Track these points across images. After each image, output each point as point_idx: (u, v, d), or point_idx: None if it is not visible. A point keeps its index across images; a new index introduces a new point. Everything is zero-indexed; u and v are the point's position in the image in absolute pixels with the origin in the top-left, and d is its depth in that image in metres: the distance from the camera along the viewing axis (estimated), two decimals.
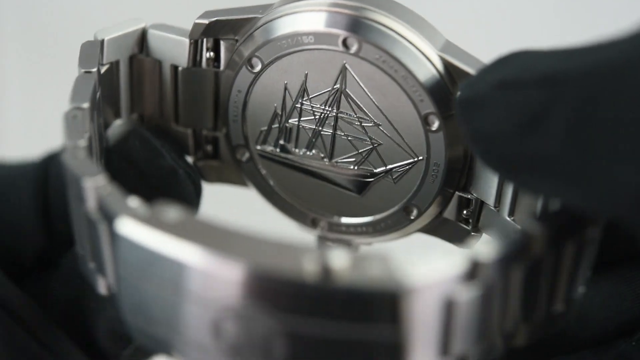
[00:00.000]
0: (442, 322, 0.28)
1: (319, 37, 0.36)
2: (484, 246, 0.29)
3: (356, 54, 0.36)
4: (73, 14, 0.83)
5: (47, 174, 0.39)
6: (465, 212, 0.39)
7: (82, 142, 0.32)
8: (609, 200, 0.27)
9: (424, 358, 0.28)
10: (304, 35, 0.36)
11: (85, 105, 0.33)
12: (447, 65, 0.36)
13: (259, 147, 0.40)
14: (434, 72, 0.36)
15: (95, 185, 0.30)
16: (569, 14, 0.75)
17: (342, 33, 0.36)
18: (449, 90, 0.36)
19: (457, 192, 0.39)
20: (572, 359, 0.34)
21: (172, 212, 0.28)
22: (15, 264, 0.39)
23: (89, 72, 0.36)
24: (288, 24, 0.36)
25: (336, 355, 0.28)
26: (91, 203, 0.30)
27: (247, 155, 0.41)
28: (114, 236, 0.29)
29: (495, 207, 0.38)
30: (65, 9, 0.83)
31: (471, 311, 0.29)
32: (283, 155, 0.40)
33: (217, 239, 0.27)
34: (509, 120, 0.28)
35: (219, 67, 0.39)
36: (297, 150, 0.40)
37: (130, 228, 0.28)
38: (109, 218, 0.29)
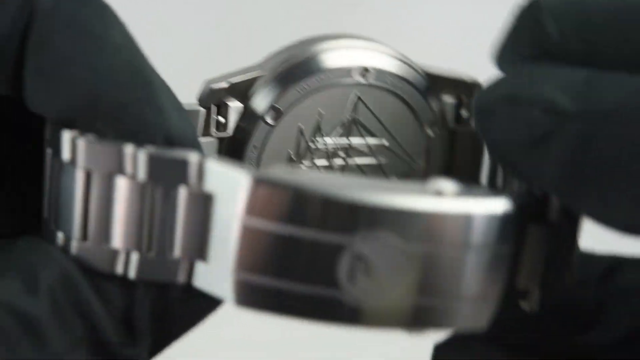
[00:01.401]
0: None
1: (333, 73, 0.39)
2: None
3: (369, 83, 0.39)
4: None
5: None
6: None
7: None
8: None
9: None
10: (319, 75, 0.39)
11: None
12: (432, 76, 0.40)
13: None
14: (426, 83, 0.40)
15: None
16: None
17: (358, 66, 0.39)
18: (440, 99, 0.41)
19: None
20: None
21: None
22: None
23: None
24: (304, 69, 0.39)
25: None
26: None
27: None
28: None
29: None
30: None
31: (542, 246, 0.33)
32: None
33: None
34: (516, 134, 0.31)
35: (225, 130, 0.40)
36: None
37: None
38: None
